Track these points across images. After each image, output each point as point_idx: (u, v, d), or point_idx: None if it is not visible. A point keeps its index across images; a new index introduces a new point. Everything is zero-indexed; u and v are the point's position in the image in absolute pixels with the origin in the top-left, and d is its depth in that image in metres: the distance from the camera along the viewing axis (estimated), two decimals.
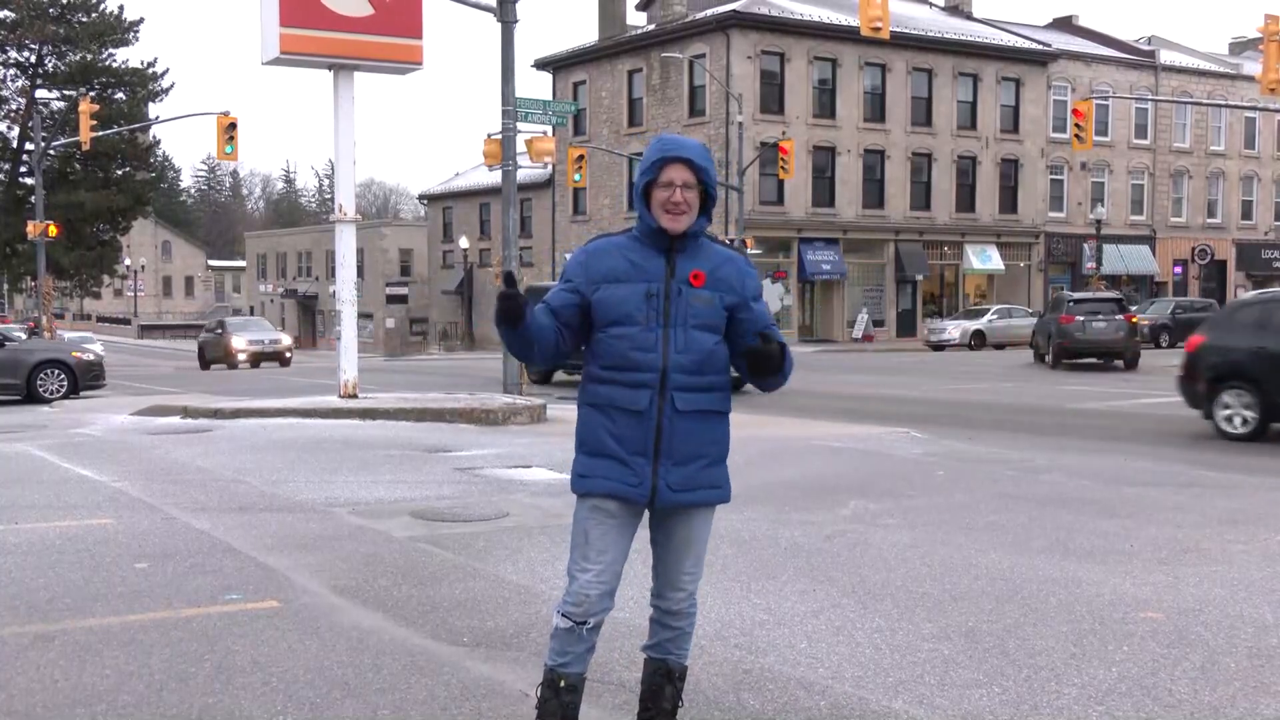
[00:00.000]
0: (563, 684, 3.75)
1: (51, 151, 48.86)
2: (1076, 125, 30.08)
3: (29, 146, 50.18)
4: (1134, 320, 29.59)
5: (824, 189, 48.09)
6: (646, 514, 3.80)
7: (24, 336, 31.45)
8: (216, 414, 16.16)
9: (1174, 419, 15.66)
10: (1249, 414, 13.36)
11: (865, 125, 48.75)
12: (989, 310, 45.07)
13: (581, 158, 39.21)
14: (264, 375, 33.53)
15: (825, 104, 48.01)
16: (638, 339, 3.63)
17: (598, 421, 3.70)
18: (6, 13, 52.15)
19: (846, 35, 45.61)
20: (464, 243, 61.45)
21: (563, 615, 3.73)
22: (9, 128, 55.07)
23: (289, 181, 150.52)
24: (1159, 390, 20.80)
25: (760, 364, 3.64)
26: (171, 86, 60.89)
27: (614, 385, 3.67)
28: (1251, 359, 13.32)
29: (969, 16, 55.99)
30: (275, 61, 16.71)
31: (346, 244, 17.42)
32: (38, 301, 45.21)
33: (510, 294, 3.55)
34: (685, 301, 3.65)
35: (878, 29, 22.47)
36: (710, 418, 3.72)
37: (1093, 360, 28.85)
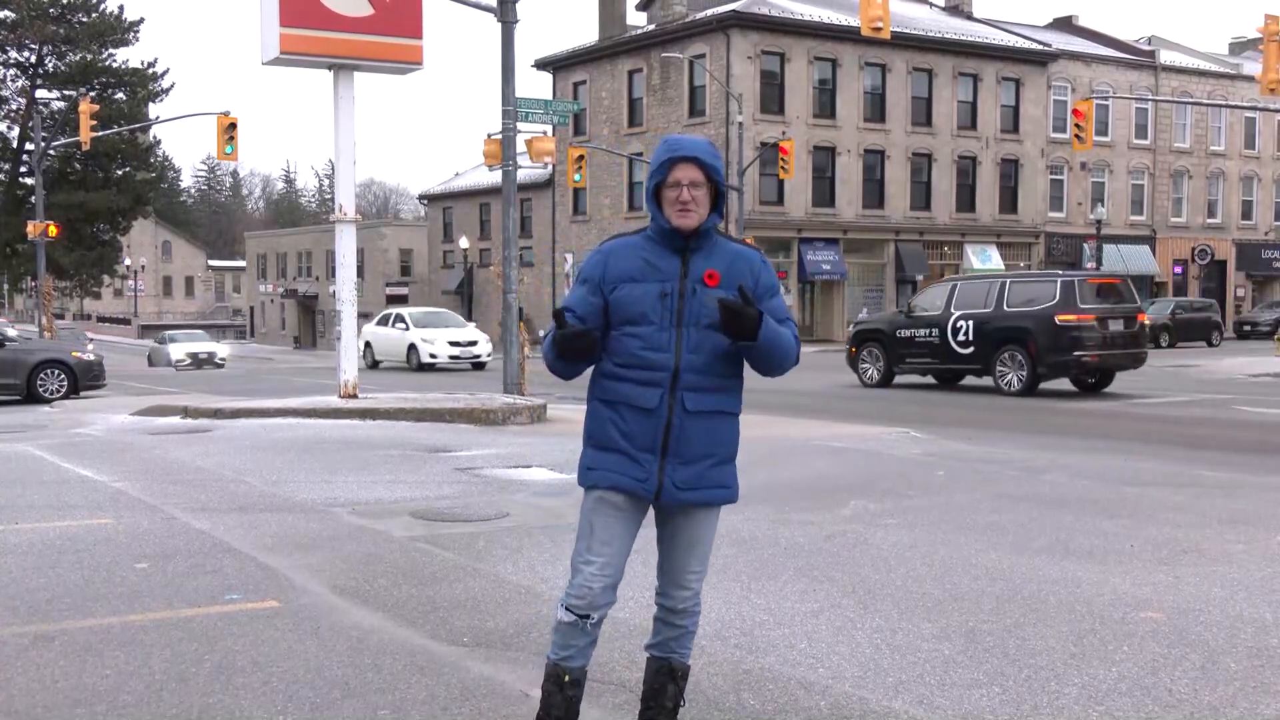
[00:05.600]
0: (566, 678, 3.77)
1: (51, 151, 48.85)
2: (1076, 125, 30.09)
3: (29, 146, 50.20)
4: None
5: (824, 189, 48.09)
6: (652, 512, 3.82)
7: None
8: (216, 414, 16.17)
9: (1174, 419, 15.66)
10: None
11: (865, 125, 48.75)
12: None
13: (581, 158, 39.24)
14: (265, 375, 33.50)
15: (825, 104, 48.00)
16: (651, 339, 3.67)
17: (606, 416, 3.74)
18: (6, 13, 52.14)
19: (846, 35, 45.63)
20: (464, 243, 61.42)
21: (566, 609, 3.74)
22: (9, 128, 55.15)
23: (289, 181, 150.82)
24: (1161, 391, 20.81)
25: (732, 322, 3.57)
26: (171, 87, 60.95)
27: (626, 382, 3.69)
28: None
29: (969, 16, 55.98)
30: (275, 61, 16.70)
31: (346, 244, 17.41)
32: (38, 301, 45.17)
33: (583, 331, 3.64)
34: (699, 301, 3.67)
35: (878, 29, 22.47)
36: (720, 418, 3.75)
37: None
